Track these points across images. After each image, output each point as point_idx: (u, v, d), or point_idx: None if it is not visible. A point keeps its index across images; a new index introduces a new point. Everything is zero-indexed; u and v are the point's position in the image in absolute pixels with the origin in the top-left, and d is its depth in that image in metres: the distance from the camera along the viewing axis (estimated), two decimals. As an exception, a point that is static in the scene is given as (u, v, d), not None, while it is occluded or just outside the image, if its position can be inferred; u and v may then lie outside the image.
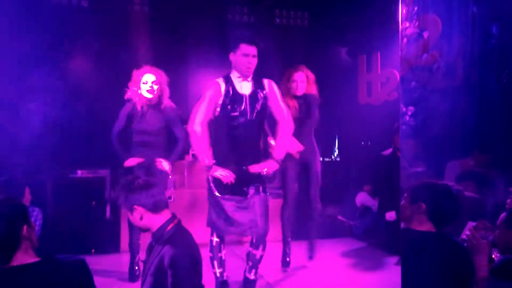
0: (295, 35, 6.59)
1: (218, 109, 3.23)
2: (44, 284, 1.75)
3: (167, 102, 4.01)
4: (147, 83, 3.90)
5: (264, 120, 3.42)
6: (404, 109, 2.18)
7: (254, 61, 3.19)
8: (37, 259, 1.80)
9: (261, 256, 3.39)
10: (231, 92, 3.22)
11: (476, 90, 2.00)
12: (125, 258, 4.69)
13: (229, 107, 3.21)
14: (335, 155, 6.55)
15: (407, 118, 2.20)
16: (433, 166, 2.55)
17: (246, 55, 3.16)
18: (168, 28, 6.12)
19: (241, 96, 3.24)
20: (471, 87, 2.00)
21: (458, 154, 2.42)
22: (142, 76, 3.93)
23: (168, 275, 2.05)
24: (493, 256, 2.54)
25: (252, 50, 3.17)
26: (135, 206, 2.17)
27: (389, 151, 5.02)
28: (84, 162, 5.22)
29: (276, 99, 3.34)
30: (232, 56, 3.24)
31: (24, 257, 1.77)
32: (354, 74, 6.52)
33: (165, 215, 2.21)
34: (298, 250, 4.65)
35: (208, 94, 3.21)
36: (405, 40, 2.24)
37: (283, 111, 3.35)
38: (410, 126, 2.24)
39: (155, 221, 2.19)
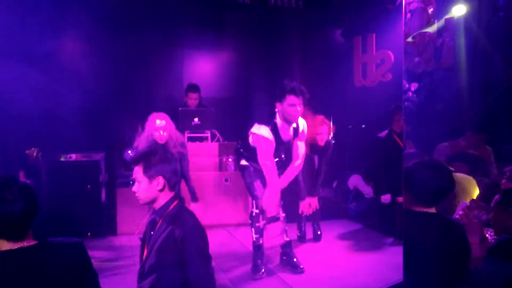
0: (290, 17, 6.52)
1: None
2: (43, 266, 1.75)
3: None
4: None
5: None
6: (407, 86, 2.15)
7: (301, 110, 3.51)
8: (35, 242, 1.80)
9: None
10: (276, 140, 3.61)
11: (482, 65, 1.96)
12: (121, 240, 4.70)
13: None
14: (330, 138, 6.53)
15: (410, 94, 2.18)
16: (428, 147, 2.53)
17: (292, 105, 3.47)
18: (163, 10, 6.02)
19: (283, 143, 3.68)
20: (476, 63, 1.96)
21: (455, 135, 2.41)
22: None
23: (176, 250, 2.11)
24: (486, 235, 2.55)
25: (298, 100, 3.47)
26: (160, 177, 2.20)
27: (385, 133, 5.03)
28: (79, 146, 5.16)
29: (302, 140, 3.78)
30: (278, 105, 3.54)
31: (25, 240, 1.77)
32: (349, 56, 6.48)
33: (171, 194, 2.27)
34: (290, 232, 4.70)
35: (265, 147, 3.56)
36: (408, 15, 2.20)
37: (300, 150, 3.79)
38: (413, 103, 2.22)
39: (165, 197, 2.24)
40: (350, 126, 6.44)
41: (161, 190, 2.21)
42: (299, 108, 3.50)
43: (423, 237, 2.19)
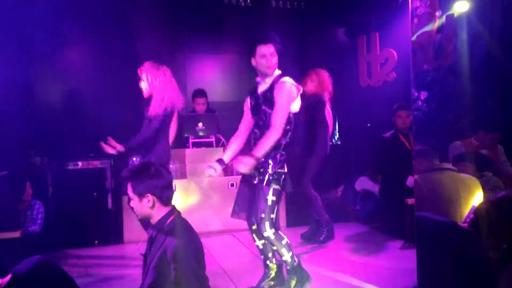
0: (292, 18, 6.48)
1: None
2: None
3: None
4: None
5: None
6: (416, 94, 2.10)
7: (272, 58, 3.20)
8: (7, 279, 1.78)
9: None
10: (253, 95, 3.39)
11: (496, 72, 1.90)
12: (128, 249, 4.68)
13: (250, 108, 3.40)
14: (336, 139, 6.50)
15: (420, 103, 2.13)
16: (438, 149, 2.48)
17: (263, 55, 3.19)
18: (164, 16, 6.00)
19: (256, 96, 3.34)
20: (490, 69, 1.90)
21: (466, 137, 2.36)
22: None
23: (171, 268, 2.03)
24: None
25: (268, 48, 3.19)
26: (148, 194, 2.13)
27: (390, 133, 4.99)
28: (85, 153, 5.16)
29: (276, 101, 3.19)
30: (253, 61, 3.28)
31: None
32: (353, 56, 6.44)
33: (166, 208, 2.20)
34: (297, 236, 4.70)
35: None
36: (416, 20, 2.14)
37: (275, 116, 3.16)
38: (423, 112, 2.16)
39: (159, 213, 2.17)
40: (369, 125, 6.34)
41: (152, 208, 2.14)
42: (273, 59, 3.18)
43: (439, 246, 2.14)
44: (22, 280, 1.76)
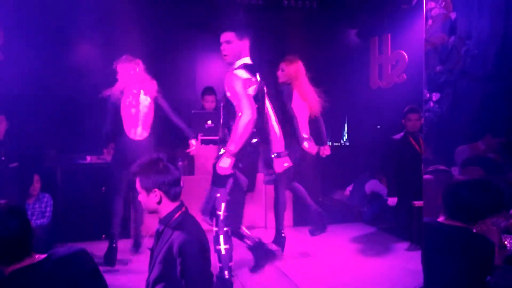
0: (304, 17, 6.47)
1: None
2: (54, 280, 1.75)
3: None
4: None
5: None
6: (428, 95, 2.09)
7: (227, 47, 3.08)
8: (42, 257, 1.79)
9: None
10: None
11: (509, 75, 1.90)
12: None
13: None
14: (344, 140, 6.49)
15: (431, 104, 2.12)
16: (449, 154, 2.47)
17: (220, 44, 3.12)
18: (174, 13, 6.02)
19: None
20: (503, 72, 1.89)
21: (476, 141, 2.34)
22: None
23: (176, 263, 2.05)
24: (505, 242, 2.49)
25: (223, 37, 3.10)
26: (155, 189, 2.14)
27: (400, 135, 4.96)
28: (93, 148, 5.19)
29: (230, 92, 3.09)
30: None
31: (31, 258, 1.78)
32: (364, 57, 6.42)
33: (174, 204, 2.21)
34: (304, 236, 4.69)
35: None
36: (430, 21, 2.13)
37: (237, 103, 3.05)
38: (435, 113, 2.15)
39: (166, 208, 2.19)
40: (378, 126, 6.30)
41: (159, 203, 2.16)
42: (230, 47, 3.06)
43: (447, 250, 2.11)
44: (55, 262, 1.77)
